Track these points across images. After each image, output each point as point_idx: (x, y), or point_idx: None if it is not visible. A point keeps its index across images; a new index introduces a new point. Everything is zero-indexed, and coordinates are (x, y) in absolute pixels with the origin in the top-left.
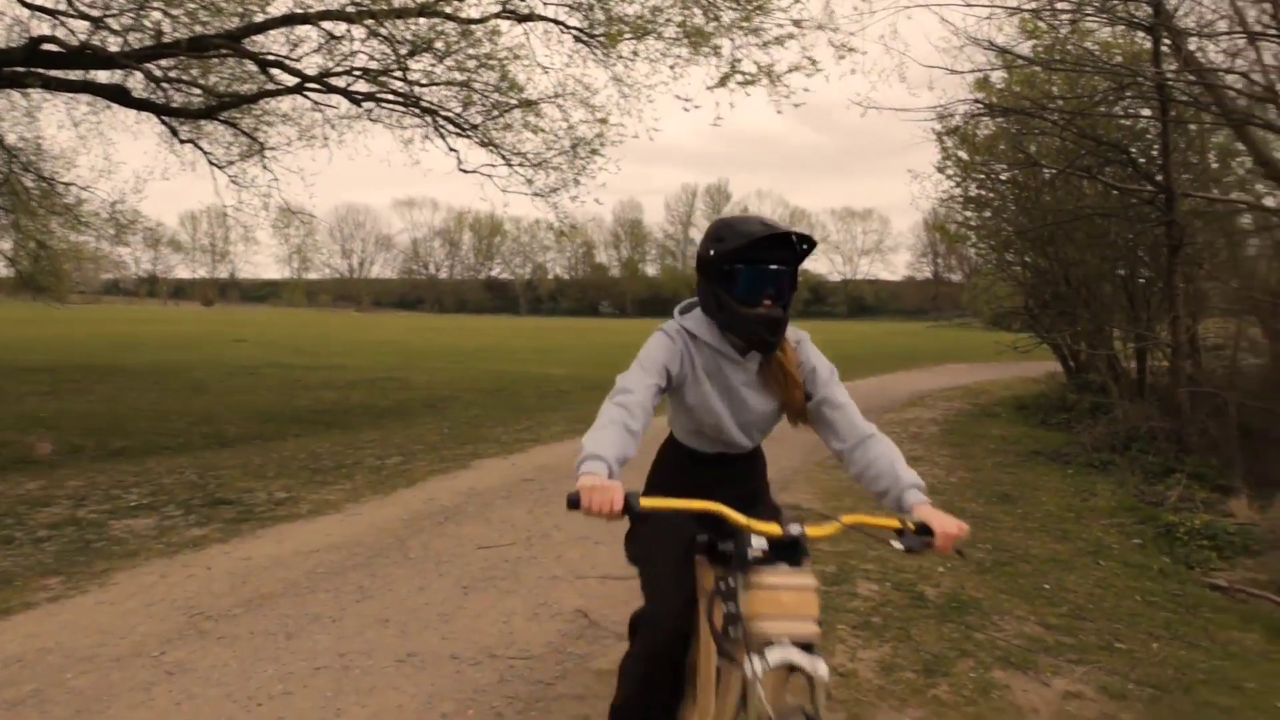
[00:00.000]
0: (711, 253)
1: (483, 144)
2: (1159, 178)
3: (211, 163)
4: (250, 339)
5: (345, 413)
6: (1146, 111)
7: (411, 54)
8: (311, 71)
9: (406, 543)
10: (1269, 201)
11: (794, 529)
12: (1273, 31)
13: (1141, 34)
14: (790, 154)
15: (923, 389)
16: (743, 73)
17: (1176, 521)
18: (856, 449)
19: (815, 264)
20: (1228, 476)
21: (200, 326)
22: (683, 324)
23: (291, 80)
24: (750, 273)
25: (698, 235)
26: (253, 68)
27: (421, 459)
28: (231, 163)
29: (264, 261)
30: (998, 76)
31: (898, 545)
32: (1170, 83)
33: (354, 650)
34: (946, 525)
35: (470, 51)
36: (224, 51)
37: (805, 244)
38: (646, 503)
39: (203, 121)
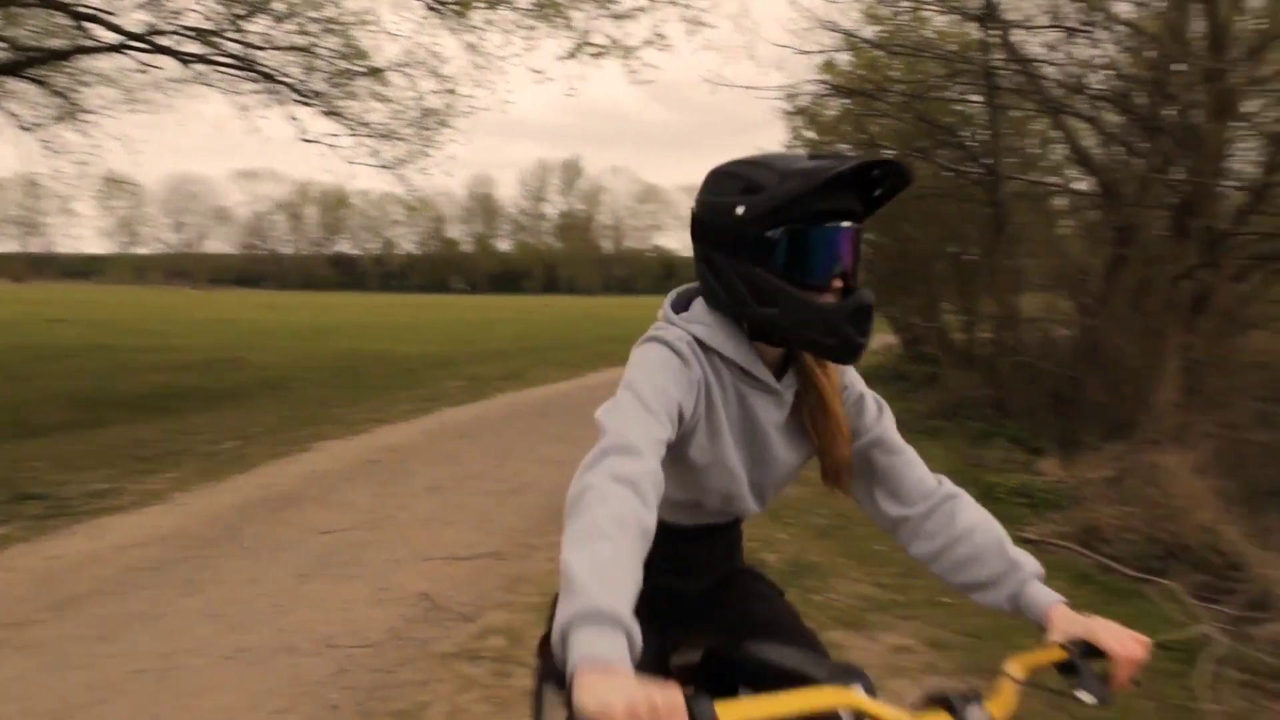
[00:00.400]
0: (740, 210)
1: (326, 113)
2: (987, 161)
3: (20, 126)
4: (70, 319)
5: (176, 396)
6: (977, 97)
7: (249, 14)
8: (136, 29)
9: (240, 532)
10: (1080, 185)
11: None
12: (1084, 28)
13: (973, 23)
14: (644, 130)
15: None
16: (593, 45)
17: (997, 482)
18: (932, 516)
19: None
20: (1040, 439)
21: (10, 306)
22: (691, 329)
23: (112, 38)
24: (817, 238)
25: (552, 210)
26: (65, 20)
27: (259, 443)
28: (42, 125)
29: (86, 235)
30: (843, 59)
31: (1087, 698)
32: (996, 71)
33: (178, 650)
34: (1123, 642)
35: (313, 14)
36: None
37: (892, 179)
38: (729, 713)
39: (5, 78)
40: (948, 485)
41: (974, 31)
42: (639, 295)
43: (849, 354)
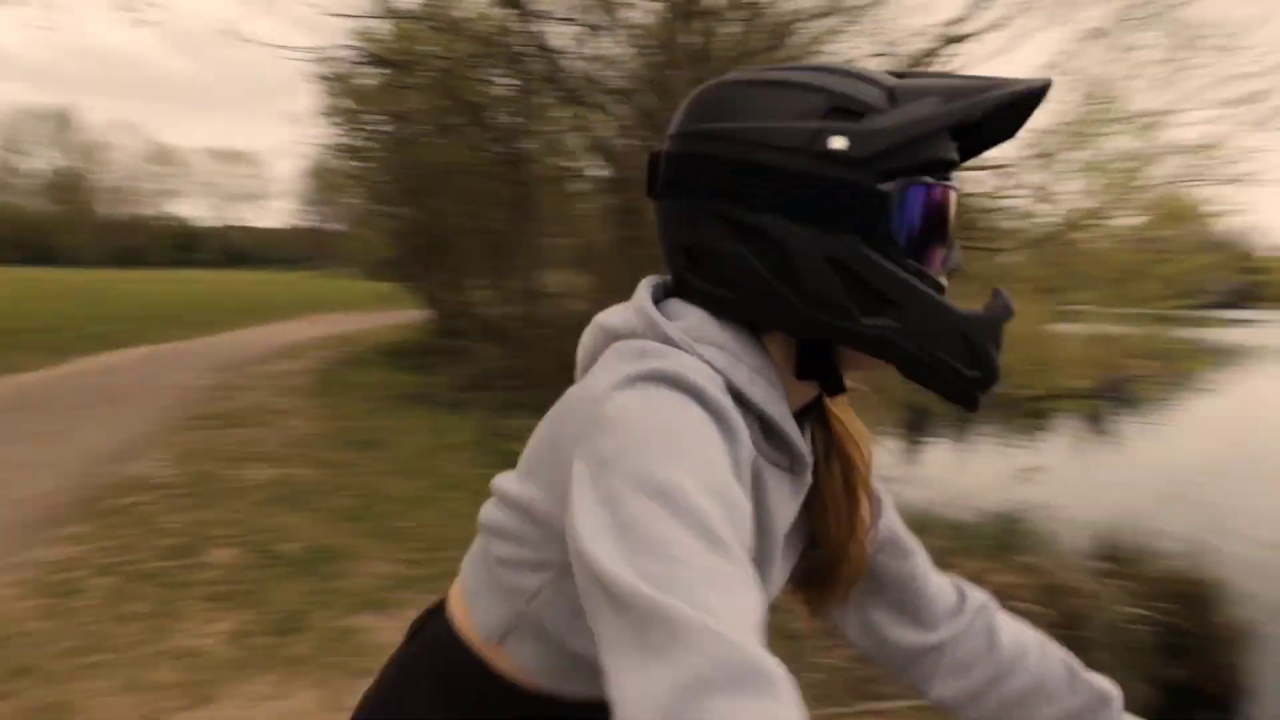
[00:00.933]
0: (838, 144)
1: None
2: (515, 144)
3: None
4: None
5: None
6: (508, 81)
7: None
8: None
9: None
10: (597, 172)
11: None
12: (602, 27)
13: (506, 9)
14: (159, 82)
15: (296, 340)
16: None
17: (517, 450)
18: (964, 641)
19: (184, 207)
20: None
21: None
22: (707, 356)
23: None
24: (943, 203)
25: (43, 167)
26: None
27: None
28: None
29: None
30: (381, 28)
31: None
32: (524, 57)
33: None
34: None
35: None
36: None
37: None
38: None
39: None
40: (972, 591)
41: (505, 18)
42: (151, 269)
43: (987, 391)
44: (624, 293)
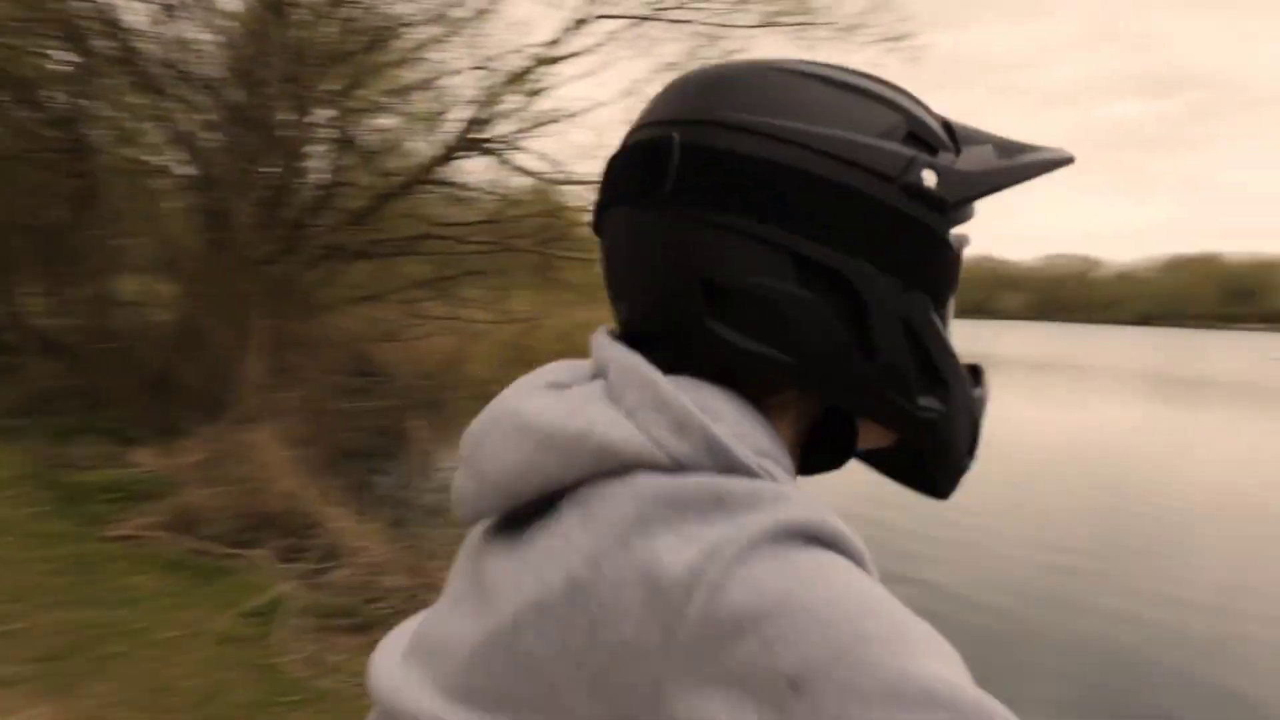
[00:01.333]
0: (931, 181)
1: None
2: (78, 130)
3: None
4: None
5: None
6: (67, 57)
7: None
8: None
9: None
10: (182, 169)
11: None
12: (184, 11)
13: None
14: None
15: None
16: None
17: (85, 480)
18: None
19: None
20: (137, 428)
21: None
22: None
23: None
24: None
25: None
26: None
27: None
28: None
29: None
30: None
31: None
32: (88, 32)
33: None
34: None
35: None
36: None
37: None
38: None
39: None
40: None
41: None
42: None
43: (956, 484)
44: (214, 300)
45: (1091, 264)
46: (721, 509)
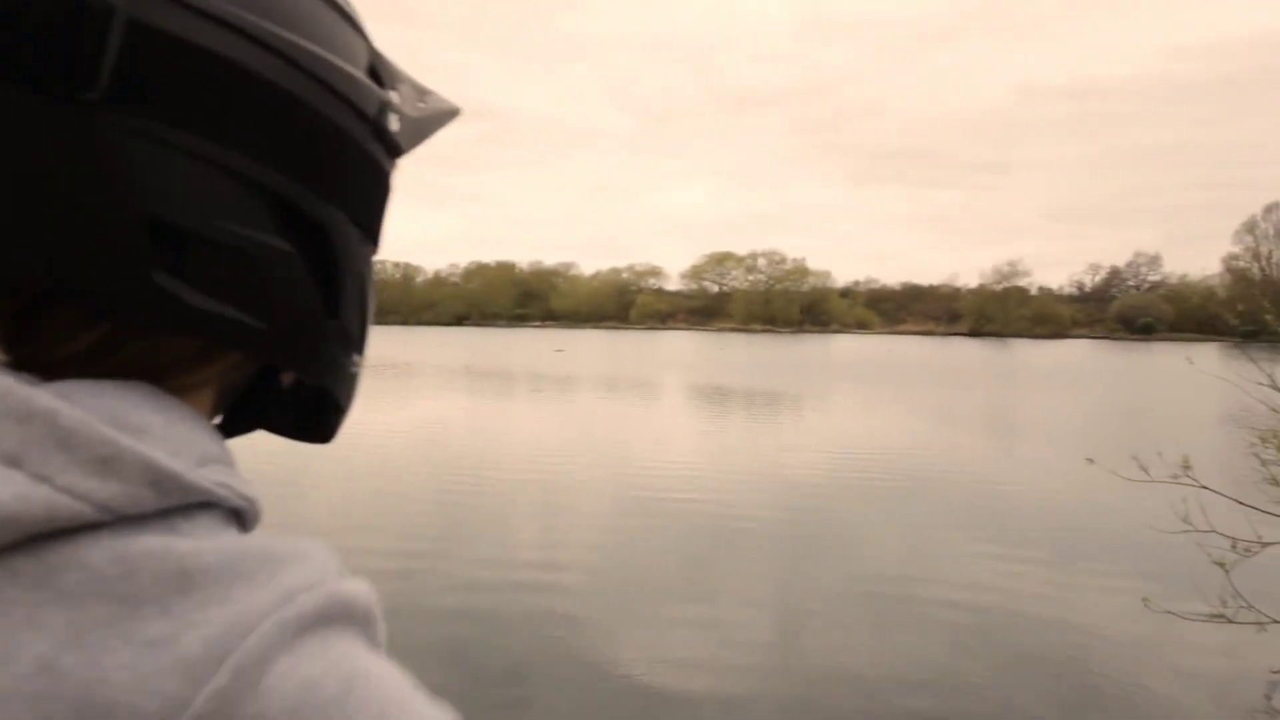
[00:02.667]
0: (396, 122)
1: None
2: None
3: None
4: None
5: None
6: None
7: None
8: None
9: None
10: None
11: None
12: None
13: None
14: None
15: None
16: None
17: None
18: None
19: None
20: None
21: None
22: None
23: None
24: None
25: None
26: None
27: None
28: None
29: None
30: None
31: None
32: None
33: None
34: None
35: None
36: None
37: None
38: None
39: None
40: None
41: None
42: None
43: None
44: None
45: (413, 270)
46: (195, 589)
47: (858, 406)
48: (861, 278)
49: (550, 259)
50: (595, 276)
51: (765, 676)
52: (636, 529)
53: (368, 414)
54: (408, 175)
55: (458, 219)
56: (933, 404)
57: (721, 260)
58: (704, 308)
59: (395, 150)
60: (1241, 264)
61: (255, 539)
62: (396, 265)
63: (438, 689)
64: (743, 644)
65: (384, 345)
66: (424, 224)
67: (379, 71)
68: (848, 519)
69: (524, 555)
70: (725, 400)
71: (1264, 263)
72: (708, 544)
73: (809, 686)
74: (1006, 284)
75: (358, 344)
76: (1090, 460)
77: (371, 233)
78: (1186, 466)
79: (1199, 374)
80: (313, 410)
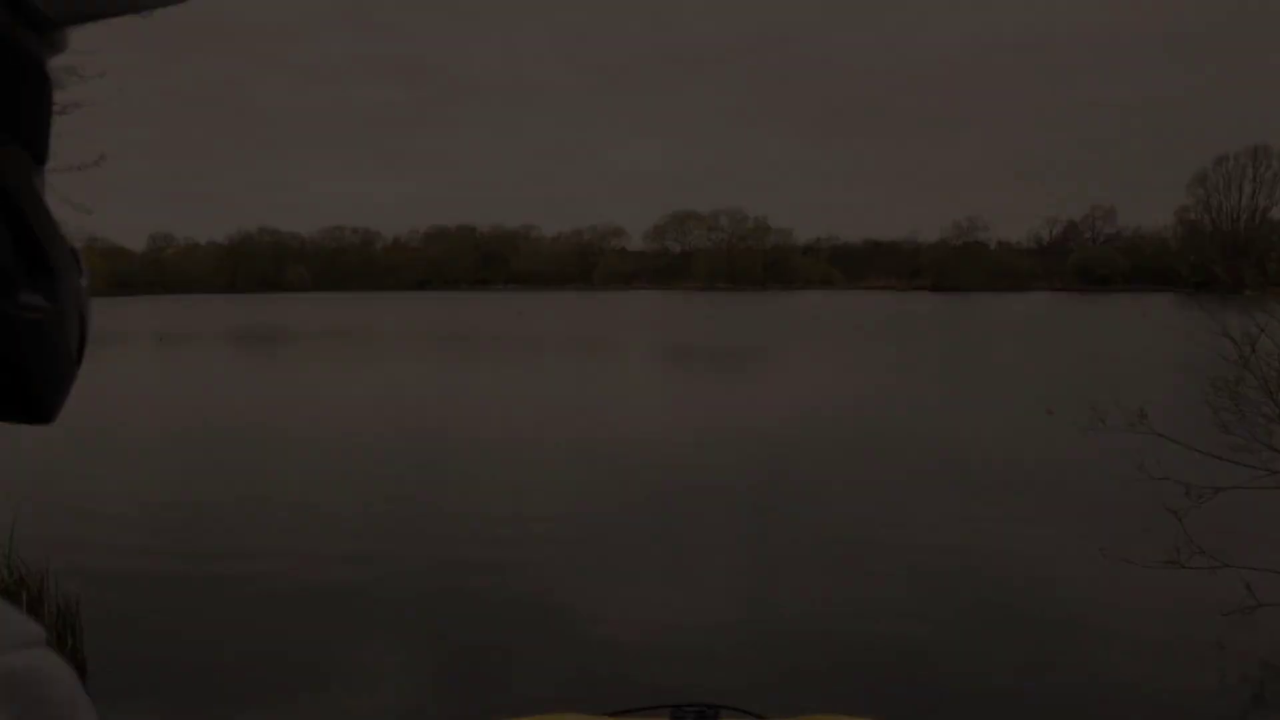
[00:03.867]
0: None
1: None
2: None
3: None
4: None
5: None
6: None
7: None
8: None
9: None
10: None
11: None
12: None
13: None
14: None
15: None
16: None
17: None
18: None
19: None
20: None
21: None
22: None
23: None
24: None
25: None
26: None
27: None
28: None
29: None
30: None
31: None
32: None
33: None
34: None
35: None
36: None
37: None
38: None
39: None
40: None
41: None
42: None
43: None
44: None
45: (372, 235)
46: None
47: (822, 362)
48: (823, 234)
49: (511, 221)
50: (557, 239)
51: (734, 630)
52: (604, 488)
53: (333, 382)
54: (367, 142)
55: (414, 183)
56: (895, 359)
57: (684, 220)
58: (667, 267)
59: (38, 19)
60: (1193, 216)
61: None
62: (355, 231)
63: (410, 648)
64: (712, 598)
65: (350, 312)
66: (382, 189)
67: None
68: (813, 473)
69: (493, 512)
70: (690, 359)
71: (1215, 215)
72: (675, 501)
73: (777, 638)
74: (966, 239)
75: (21, 278)
76: (1050, 411)
77: (10, 130)
78: (1143, 415)
79: (1156, 325)
80: None
